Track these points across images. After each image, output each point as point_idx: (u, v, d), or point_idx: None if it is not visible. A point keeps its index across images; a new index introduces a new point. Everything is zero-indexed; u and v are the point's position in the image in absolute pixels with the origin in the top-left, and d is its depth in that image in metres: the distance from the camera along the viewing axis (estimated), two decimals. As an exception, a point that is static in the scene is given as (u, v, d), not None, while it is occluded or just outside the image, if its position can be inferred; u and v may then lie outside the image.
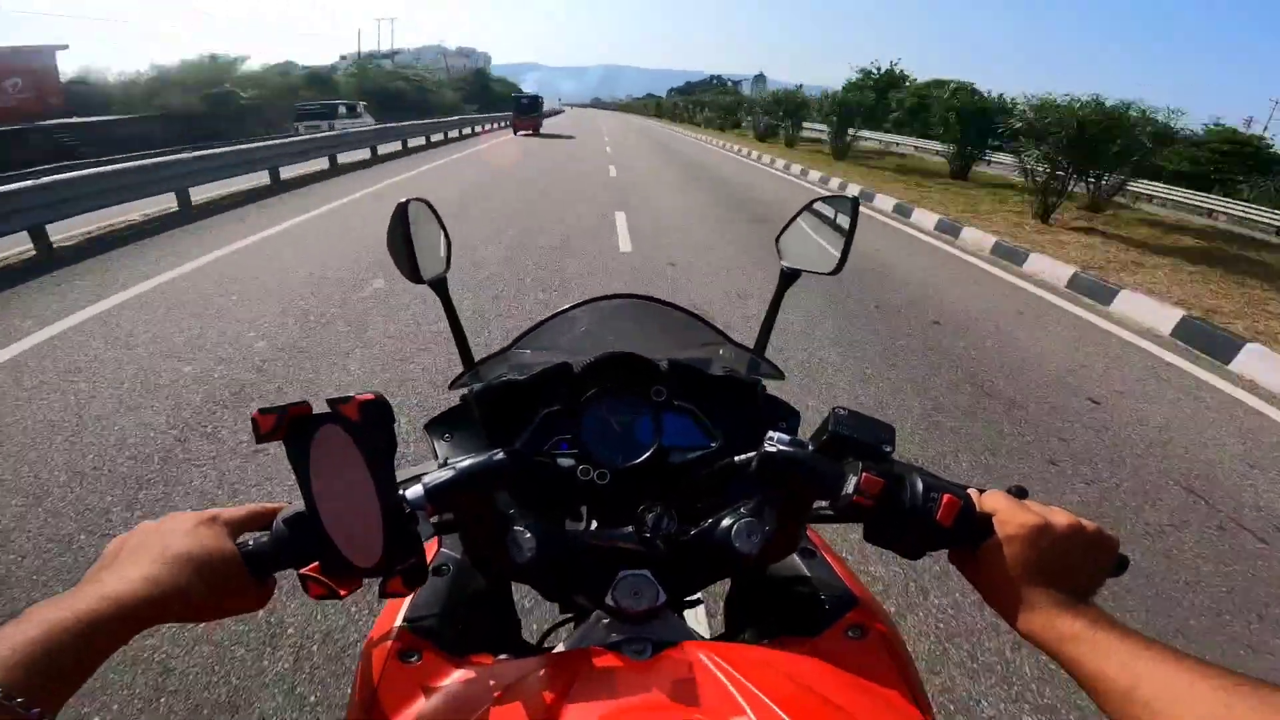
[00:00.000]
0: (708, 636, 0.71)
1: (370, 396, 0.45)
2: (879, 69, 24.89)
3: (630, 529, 0.62)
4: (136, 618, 0.42)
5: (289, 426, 0.47)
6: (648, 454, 0.68)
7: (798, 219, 0.94)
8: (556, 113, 70.60)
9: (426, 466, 0.58)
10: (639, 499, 0.63)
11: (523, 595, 0.83)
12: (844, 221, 0.88)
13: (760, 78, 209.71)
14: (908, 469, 0.52)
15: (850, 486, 0.50)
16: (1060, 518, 0.49)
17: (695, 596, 0.72)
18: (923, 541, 0.51)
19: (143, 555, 0.45)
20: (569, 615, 0.78)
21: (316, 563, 0.50)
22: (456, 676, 0.56)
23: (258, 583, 0.50)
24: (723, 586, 0.80)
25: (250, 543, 0.50)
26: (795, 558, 0.73)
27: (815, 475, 0.52)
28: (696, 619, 0.78)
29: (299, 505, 0.50)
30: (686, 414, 0.72)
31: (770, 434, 0.54)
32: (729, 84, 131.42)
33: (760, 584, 0.75)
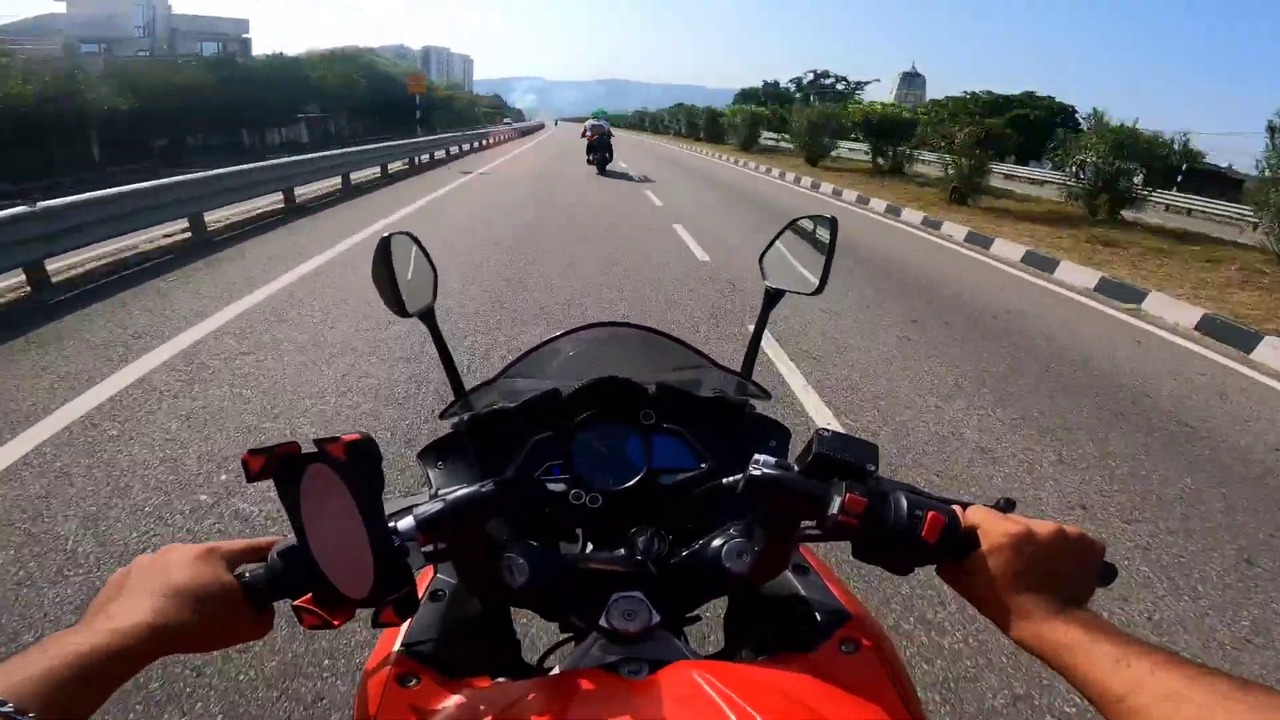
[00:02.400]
0: (705, 655, 0.72)
1: (356, 437, 0.46)
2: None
3: (622, 551, 0.63)
4: (145, 650, 0.43)
5: (278, 466, 0.47)
6: (638, 477, 0.69)
7: (779, 239, 0.96)
8: (535, 128, 62.12)
9: (419, 497, 0.59)
10: (631, 522, 0.64)
11: (522, 617, 0.83)
12: (824, 240, 0.90)
13: (912, 76, 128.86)
14: (893, 486, 0.53)
15: (835, 506, 0.51)
16: (1044, 526, 0.50)
17: (693, 614, 0.72)
18: (909, 557, 0.52)
19: (146, 589, 0.46)
20: (569, 636, 0.78)
21: (310, 594, 0.51)
22: (454, 700, 0.57)
23: (258, 613, 0.51)
24: (720, 606, 0.81)
25: (248, 574, 0.51)
26: (789, 575, 0.74)
27: (800, 496, 0.53)
28: (694, 638, 0.78)
29: (293, 538, 0.51)
30: (676, 436, 0.73)
31: (756, 456, 0.55)
32: (841, 84, 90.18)
33: (755, 602, 0.76)
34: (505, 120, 75.50)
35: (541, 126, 67.69)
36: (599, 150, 15.60)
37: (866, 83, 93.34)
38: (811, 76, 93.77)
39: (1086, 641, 0.44)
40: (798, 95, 79.06)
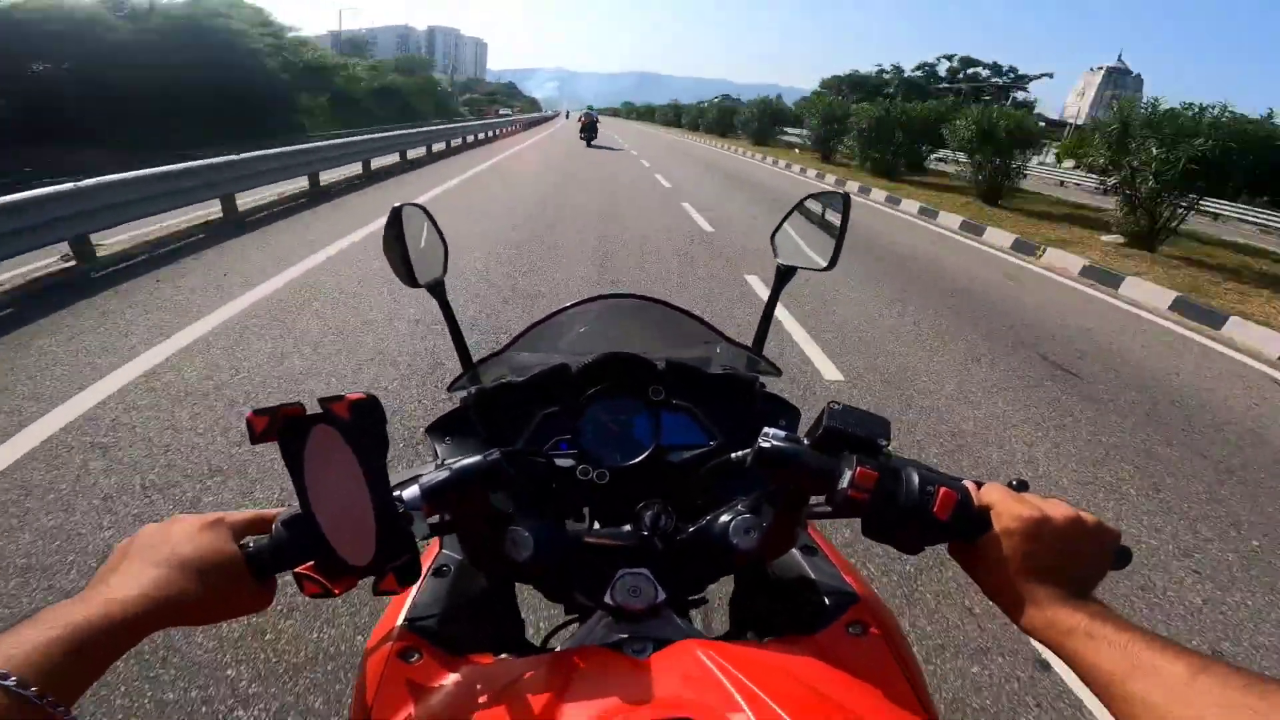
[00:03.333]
0: (711, 636, 0.71)
1: (361, 396, 0.46)
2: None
3: (629, 527, 0.63)
4: (145, 621, 0.43)
5: (282, 427, 0.47)
6: (646, 453, 0.68)
7: (791, 215, 0.95)
8: (546, 119, 55.81)
9: (425, 468, 0.59)
10: (638, 498, 0.64)
11: (527, 598, 0.83)
12: (835, 218, 0.88)
13: (1121, 73, 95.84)
14: (904, 463, 0.52)
15: (845, 481, 0.50)
16: (1059, 510, 0.49)
17: (699, 596, 0.72)
18: (920, 536, 0.51)
19: (149, 559, 0.46)
20: (574, 616, 0.78)
21: (311, 562, 0.50)
22: (456, 676, 0.56)
23: (260, 584, 0.51)
24: (726, 588, 0.81)
25: (251, 545, 0.50)
26: (797, 556, 0.73)
27: (809, 470, 0.52)
28: (701, 619, 0.78)
29: (297, 507, 0.50)
30: (685, 413, 0.73)
31: (765, 430, 0.54)
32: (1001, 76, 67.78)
33: (762, 583, 0.75)
34: (503, 110, 69.75)
35: (554, 116, 63.93)
36: (588, 130, 25.01)
37: (1033, 77, 70.66)
38: (947, 65, 68.78)
39: (1093, 630, 0.44)
40: (934, 86, 59.21)
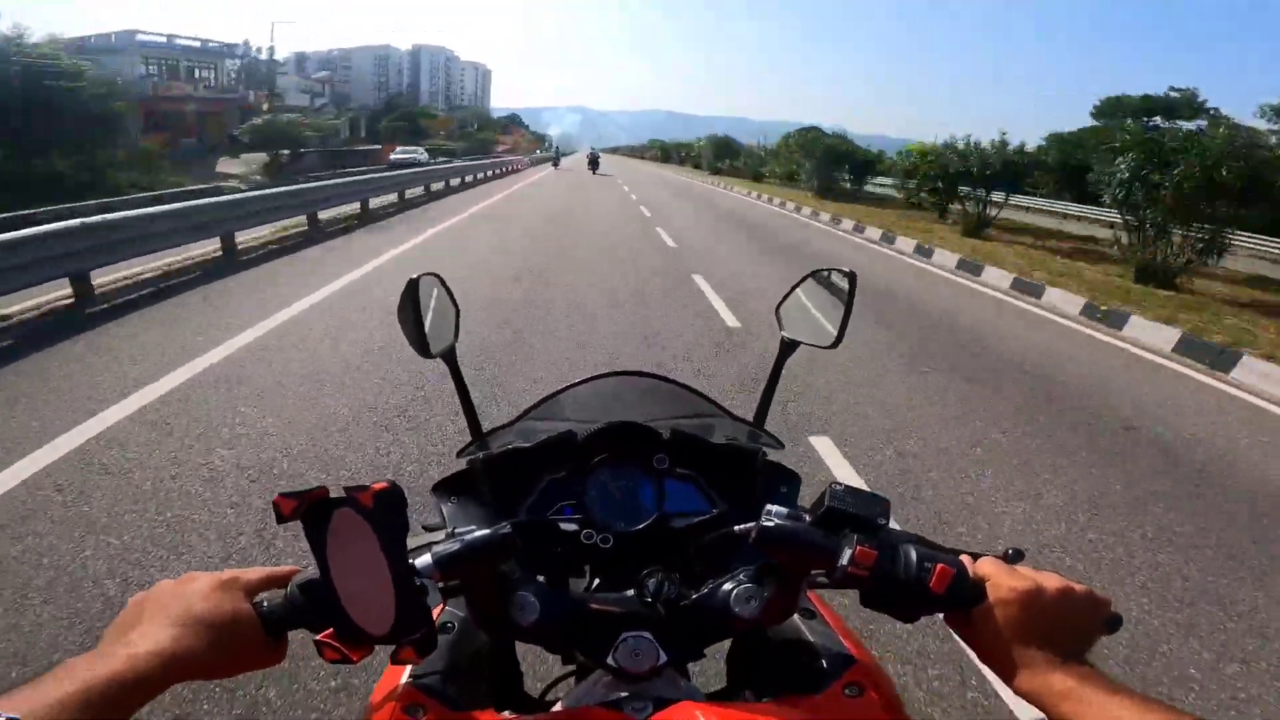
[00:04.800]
0: (707, 692, 0.72)
1: (385, 486, 0.48)
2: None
3: (631, 592, 0.64)
4: (161, 677, 0.44)
5: (308, 510, 0.49)
6: (651, 519, 0.70)
7: (798, 289, 0.97)
8: (546, 159, 50.94)
9: (435, 535, 0.60)
10: (642, 563, 0.65)
11: (526, 647, 0.84)
12: (843, 294, 0.90)
13: None
14: (902, 538, 0.54)
15: (845, 559, 0.52)
16: (1051, 581, 0.51)
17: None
18: (917, 607, 0.53)
19: (165, 616, 0.48)
20: (572, 669, 0.78)
21: (330, 629, 0.52)
22: None
23: (273, 642, 0.52)
24: (724, 644, 0.81)
25: (265, 603, 0.52)
26: (795, 618, 0.74)
27: (811, 548, 0.54)
28: (696, 674, 0.78)
29: (313, 571, 0.52)
30: (688, 481, 0.74)
31: (768, 507, 0.56)
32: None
33: (760, 642, 0.76)
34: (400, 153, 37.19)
35: (557, 160, 46.62)
36: (593, 164, 33.07)
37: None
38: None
39: (1084, 693, 0.45)
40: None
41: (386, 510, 0.48)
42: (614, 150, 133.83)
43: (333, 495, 0.50)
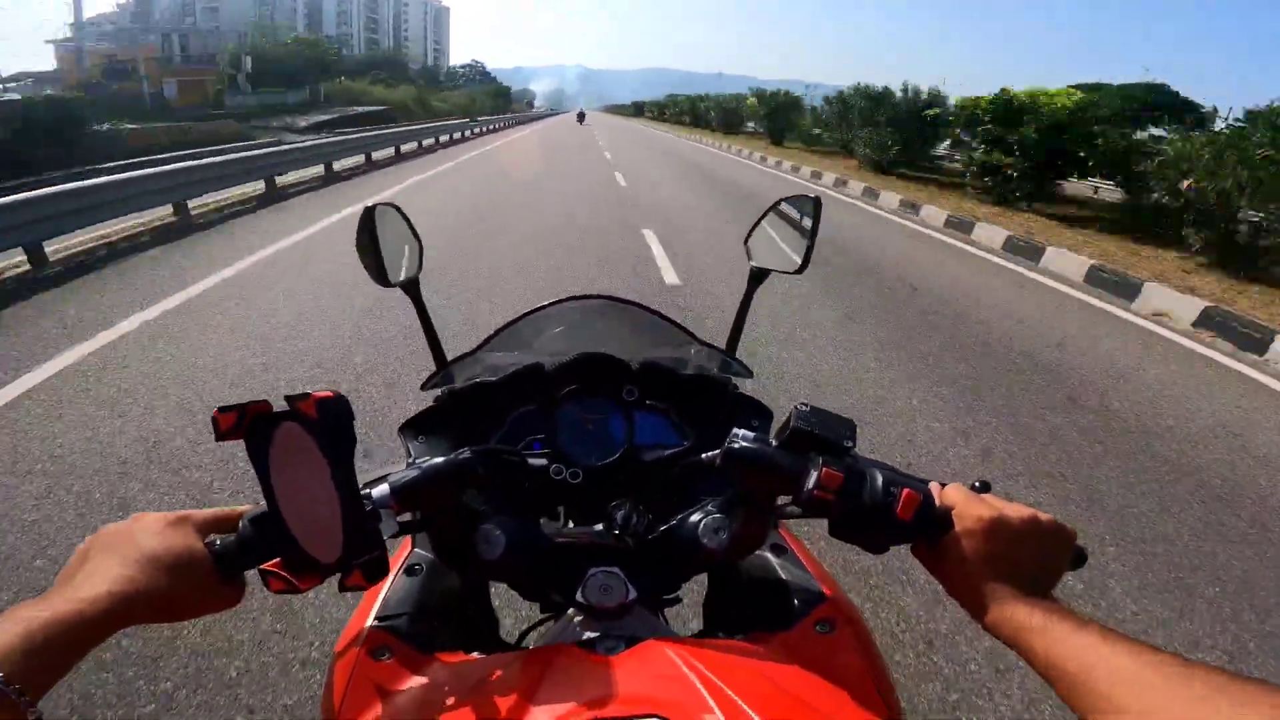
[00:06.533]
0: (684, 635, 0.72)
1: (328, 394, 0.46)
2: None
3: (600, 526, 0.63)
4: (112, 619, 0.43)
5: (249, 425, 0.47)
6: (620, 453, 0.69)
7: (764, 219, 0.96)
8: (532, 118, 57.71)
9: (395, 467, 0.59)
10: (611, 497, 0.64)
11: (505, 597, 0.83)
12: (808, 221, 0.89)
13: None
14: (869, 464, 0.53)
15: (811, 481, 0.51)
16: (1018, 511, 0.50)
17: (674, 596, 0.73)
18: (885, 536, 0.52)
19: (114, 557, 0.46)
20: (549, 615, 0.78)
21: (278, 559, 0.50)
22: (426, 674, 0.56)
23: (228, 582, 0.50)
24: (700, 590, 0.81)
25: (218, 543, 0.50)
26: (768, 555, 0.74)
27: (776, 470, 0.53)
28: (675, 621, 0.79)
29: (263, 505, 0.50)
30: (658, 413, 0.73)
31: (735, 431, 0.55)
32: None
33: (734, 582, 0.76)
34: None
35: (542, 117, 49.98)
36: (580, 118, 45.53)
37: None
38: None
39: (1049, 626, 0.45)
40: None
41: (330, 422, 0.45)
42: (616, 109, 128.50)
43: (275, 410, 0.47)
